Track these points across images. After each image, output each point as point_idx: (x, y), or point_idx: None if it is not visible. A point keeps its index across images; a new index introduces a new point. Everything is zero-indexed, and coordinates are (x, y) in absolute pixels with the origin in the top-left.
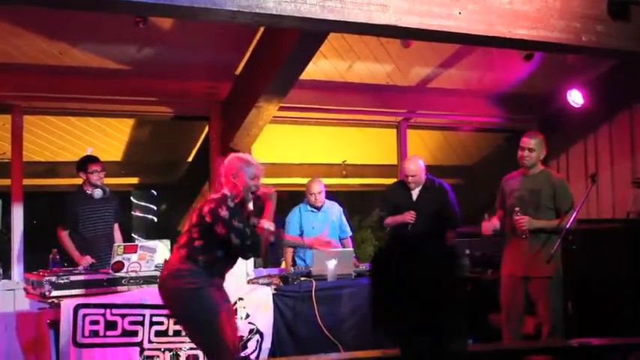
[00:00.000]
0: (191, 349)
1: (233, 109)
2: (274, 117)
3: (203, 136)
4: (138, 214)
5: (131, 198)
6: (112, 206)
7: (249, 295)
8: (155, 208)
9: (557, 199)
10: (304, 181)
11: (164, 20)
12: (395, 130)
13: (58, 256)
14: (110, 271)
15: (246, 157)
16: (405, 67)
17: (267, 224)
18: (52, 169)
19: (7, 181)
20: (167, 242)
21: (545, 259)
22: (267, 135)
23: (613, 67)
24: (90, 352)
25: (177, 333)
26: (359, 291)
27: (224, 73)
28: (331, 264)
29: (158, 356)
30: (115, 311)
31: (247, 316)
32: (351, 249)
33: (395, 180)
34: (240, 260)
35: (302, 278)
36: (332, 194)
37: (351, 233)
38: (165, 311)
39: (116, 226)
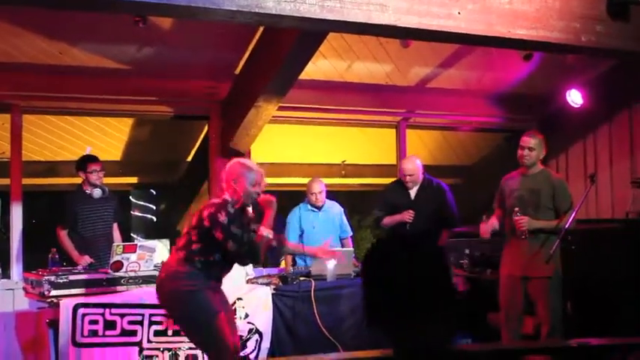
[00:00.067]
0: (190, 348)
1: (232, 108)
2: (273, 117)
3: (202, 135)
4: (137, 213)
5: (130, 198)
6: (111, 206)
7: (248, 295)
8: (154, 207)
9: (556, 199)
10: (304, 181)
11: (164, 20)
12: (394, 130)
13: (57, 256)
14: (109, 270)
15: (247, 163)
16: (404, 67)
17: (266, 232)
18: (51, 168)
19: (6, 181)
20: (166, 242)
21: (545, 259)
22: (266, 135)
23: (612, 67)
24: (89, 352)
25: (176, 333)
26: (358, 291)
27: (223, 73)
28: (330, 264)
29: (157, 356)
30: (114, 311)
31: (246, 315)
32: (351, 249)
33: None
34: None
35: (301, 278)
36: (331, 194)
37: (351, 233)
38: (164, 311)
39: (115, 225)
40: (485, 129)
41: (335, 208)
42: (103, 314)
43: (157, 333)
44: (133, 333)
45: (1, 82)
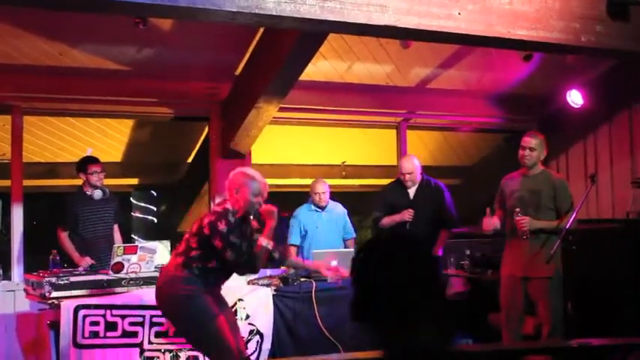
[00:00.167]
0: (191, 349)
1: (233, 109)
2: (274, 118)
3: (203, 136)
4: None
5: (131, 199)
6: (111, 207)
7: (249, 296)
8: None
9: (557, 199)
10: (304, 182)
11: (164, 21)
12: (395, 131)
13: (58, 257)
14: (110, 272)
15: (250, 173)
16: (404, 68)
17: (265, 242)
18: (51, 169)
19: (7, 182)
20: (167, 243)
21: (545, 260)
22: (266, 136)
23: (612, 68)
24: (90, 353)
25: (177, 334)
26: None
27: (224, 74)
28: (331, 264)
29: (158, 357)
30: (115, 312)
31: (247, 317)
32: (352, 249)
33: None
34: None
35: (302, 279)
36: (332, 195)
37: (354, 235)
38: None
39: (116, 227)
40: (485, 129)
41: (338, 209)
42: (103, 315)
43: (157, 334)
44: (134, 334)
45: (2, 83)
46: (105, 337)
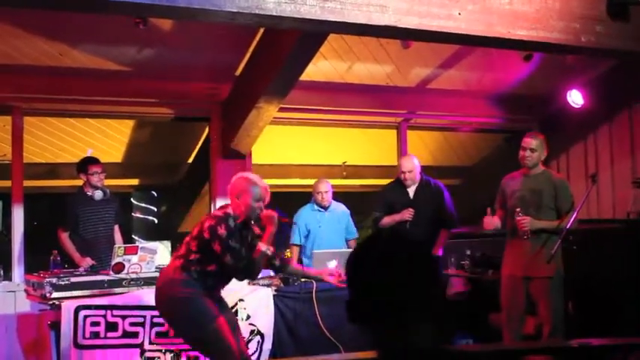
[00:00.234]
0: (191, 350)
1: (233, 110)
2: (274, 118)
3: (203, 137)
4: (138, 215)
5: (131, 199)
6: (112, 208)
7: (249, 297)
8: (155, 209)
9: (558, 199)
10: (304, 182)
11: (164, 21)
12: (395, 131)
13: (58, 258)
14: (111, 272)
15: (252, 179)
16: (404, 68)
17: (265, 247)
18: (52, 170)
19: (7, 183)
20: (167, 244)
21: (546, 260)
22: (267, 136)
23: (612, 68)
24: (91, 354)
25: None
26: None
27: (224, 74)
28: (332, 264)
29: (159, 357)
30: (115, 312)
31: (248, 317)
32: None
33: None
34: None
35: (302, 279)
36: (332, 195)
37: (357, 235)
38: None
39: (116, 227)
40: (485, 129)
41: (341, 209)
42: (104, 316)
43: (158, 335)
44: (135, 335)
45: (2, 84)
46: (105, 337)
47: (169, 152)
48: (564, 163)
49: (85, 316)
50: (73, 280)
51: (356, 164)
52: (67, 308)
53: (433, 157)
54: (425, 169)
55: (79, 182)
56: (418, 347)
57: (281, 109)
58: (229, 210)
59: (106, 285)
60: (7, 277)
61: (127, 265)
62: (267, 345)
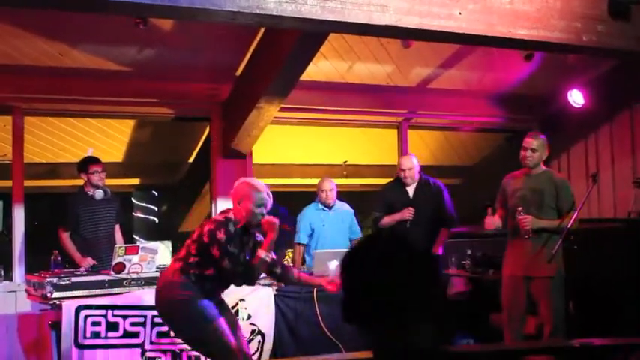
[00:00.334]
0: (193, 349)
1: (234, 110)
2: (275, 118)
3: (204, 137)
4: (139, 215)
5: (132, 199)
6: (113, 207)
7: (250, 296)
8: (156, 209)
9: (559, 198)
10: (305, 182)
11: (164, 21)
12: (396, 131)
13: (59, 258)
14: (111, 272)
15: (254, 184)
16: (405, 68)
17: (264, 254)
18: (53, 170)
19: (8, 183)
20: (168, 243)
21: (547, 259)
22: (267, 136)
23: (613, 67)
24: (92, 354)
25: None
26: None
27: (225, 74)
28: (332, 264)
29: (160, 357)
30: (116, 312)
31: (249, 316)
32: None
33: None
34: None
35: None
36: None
37: (361, 235)
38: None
39: (117, 227)
40: (486, 129)
41: (346, 208)
42: (105, 316)
43: (159, 334)
44: (136, 334)
45: (3, 84)
46: (106, 337)
47: (170, 152)
48: (565, 162)
49: (86, 316)
50: (74, 279)
51: (357, 164)
52: (68, 308)
53: (434, 157)
54: (425, 169)
55: (79, 182)
56: (418, 347)
57: (282, 109)
58: (230, 215)
59: (106, 285)
60: (8, 277)
61: (127, 264)
62: (268, 345)
